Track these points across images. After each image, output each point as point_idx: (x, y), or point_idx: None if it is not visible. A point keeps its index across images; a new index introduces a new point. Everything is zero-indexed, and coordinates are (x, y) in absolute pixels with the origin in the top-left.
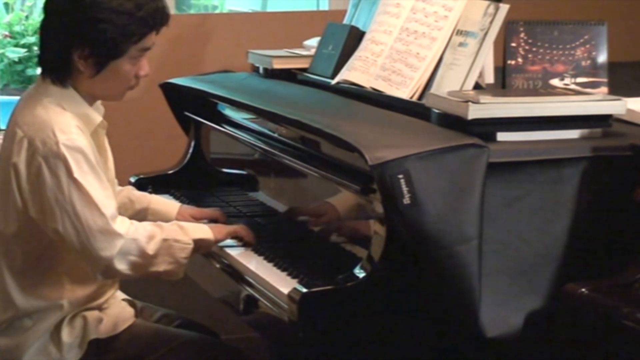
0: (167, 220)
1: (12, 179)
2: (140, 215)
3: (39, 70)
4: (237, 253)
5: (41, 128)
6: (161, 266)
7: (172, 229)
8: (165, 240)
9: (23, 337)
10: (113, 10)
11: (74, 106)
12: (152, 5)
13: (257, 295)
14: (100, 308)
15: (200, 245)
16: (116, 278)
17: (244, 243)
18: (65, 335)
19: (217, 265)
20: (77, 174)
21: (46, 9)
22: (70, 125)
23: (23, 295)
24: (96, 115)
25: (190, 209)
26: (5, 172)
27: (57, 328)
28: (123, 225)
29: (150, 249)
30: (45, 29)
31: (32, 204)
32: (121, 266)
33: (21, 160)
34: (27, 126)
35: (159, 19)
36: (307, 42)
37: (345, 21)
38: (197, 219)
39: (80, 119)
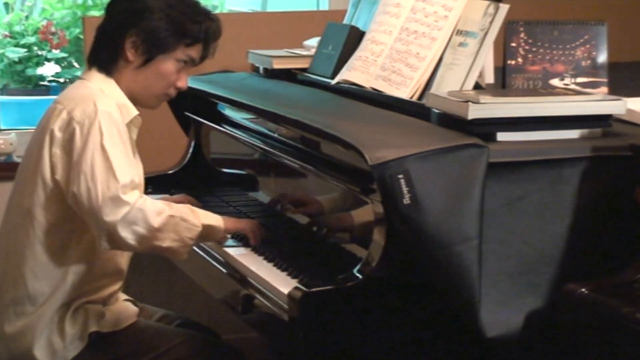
0: None
1: (45, 144)
2: None
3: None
4: (237, 253)
5: (82, 100)
6: (165, 242)
7: (183, 210)
8: (172, 216)
9: (26, 323)
10: (175, 8)
11: (115, 94)
12: (210, 23)
13: (257, 295)
14: (103, 304)
15: (209, 232)
16: (122, 249)
17: (249, 243)
18: (69, 326)
19: (217, 266)
20: (106, 141)
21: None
22: (111, 102)
23: (34, 275)
24: (134, 108)
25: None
26: (40, 141)
27: (62, 319)
28: (132, 195)
29: (156, 222)
30: (105, 20)
31: (60, 167)
32: (125, 234)
33: (57, 127)
34: (67, 101)
35: (211, 33)
36: (307, 42)
37: (345, 21)
38: None
39: (119, 107)
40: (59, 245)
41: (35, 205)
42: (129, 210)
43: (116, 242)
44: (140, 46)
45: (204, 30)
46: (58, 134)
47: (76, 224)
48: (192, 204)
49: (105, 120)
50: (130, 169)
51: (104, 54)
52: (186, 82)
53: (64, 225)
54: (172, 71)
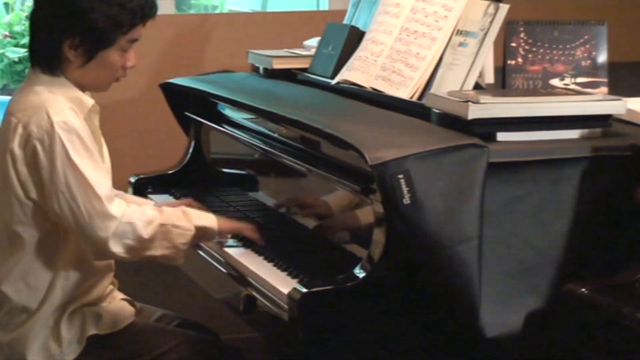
0: None
1: (9, 165)
2: None
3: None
4: (237, 253)
5: (35, 112)
6: (158, 250)
7: (174, 214)
8: (162, 225)
9: (21, 330)
10: (104, 1)
11: (65, 91)
12: (141, 1)
13: (257, 295)
14: (99, 304)
15: (203, 234)
16: (113, 259)
17: (248, 243)
18: (65, 330)
19: (217, 266)
20: (72, 155)
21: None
22: (64, 107)
23: (25, 284)
24: (88, 98)
25: (164, 202)
26: (3, 161)
27: (57, 323)
28: (119, 208)
29: (146, 233)
30: (35, 20)
31: (32, 186)
32: (116, 248)
33: (16, 145)
34: (20, 113)
35: (147, 11)
36: (307, 42)
37: (345, 21)
38: None
39: (72, 103)
40: (46, 254)
41: (16, 223)
42: (117, 224)
43: (107, 257)
44: (80, 47)
45: (139, 14)
46: (18, 152)
47: (61, 232)
48: (193, 206)
49: (64, 131)
50: (103, 176)
51: (43, 56)
52: (133, 60)
53: (49, 236)
54: (116, 60)
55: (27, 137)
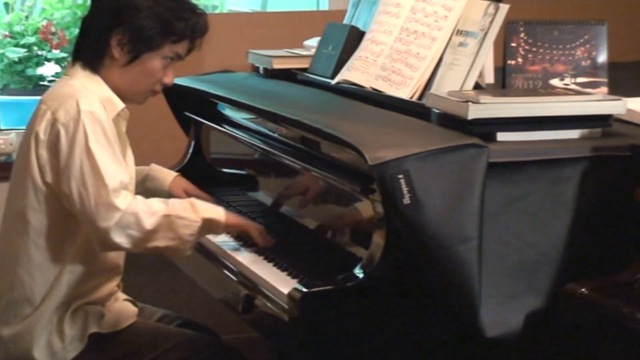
0: (161, 188)
1: (31, 146)
2: (141, 182)
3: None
4: (237, 253)
5: (65, 100)
6: (162, 242)
7: (181, 206)
8: (166, 216)
9: (24, 325)
10: (162, 5)
11: (99, 89)
12: (197, 18)
13: (257, 295)
14: (102, 303)
15: (210, 226)
16: (118, 250)
17: (248, 243)
18: (68, 327)
19: (218, 266)
20: (92, 143)
21: None
22: (94, 100)
23: (30, 276)
24: (119, 101)
25: (185, 183)
26: (27, 142)
27: (60, 320)
28: (125, 199)
29: (150, 223)
30: (90, 14)
31: (49, 170)
32: (119, 239)
33: (42, 129)
34: (51, 101)
35: (199, 28)
36: (307, 42)
37: (345, 21)
38: (187, 194)
39: (103, 102)
40: (53, 246)
41: (27, 208)
42: (121, 216)
43: (111, 246)
44: (127, 45)
45: (190, 27)
46: (42, 136)
47: (69, 224)
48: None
49: (89, 121)
50: (117, 170)
51: (89, 50)
52: (172, 77)
53: (57, 226)
54: (158, 68)
55: (54, 122)
